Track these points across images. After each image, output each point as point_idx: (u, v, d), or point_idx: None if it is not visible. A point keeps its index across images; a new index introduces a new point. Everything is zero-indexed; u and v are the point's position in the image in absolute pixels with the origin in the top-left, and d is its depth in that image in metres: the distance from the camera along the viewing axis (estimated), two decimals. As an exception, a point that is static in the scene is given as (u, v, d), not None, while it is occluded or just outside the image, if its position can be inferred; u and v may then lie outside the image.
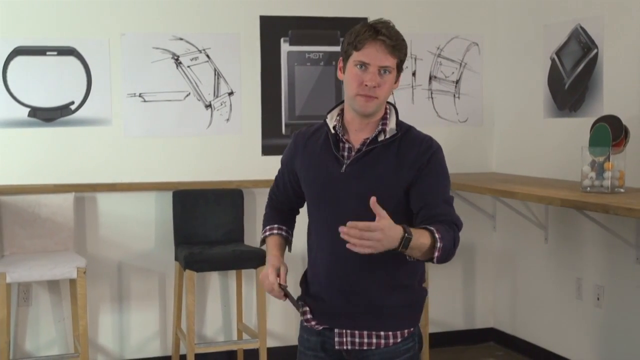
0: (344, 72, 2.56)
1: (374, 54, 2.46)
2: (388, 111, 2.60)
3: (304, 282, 2.72)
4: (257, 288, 4.83)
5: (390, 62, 2.48)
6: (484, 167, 5.87)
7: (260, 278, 2.66)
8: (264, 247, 2.85)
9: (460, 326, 5.88)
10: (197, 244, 5.03)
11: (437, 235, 2.37)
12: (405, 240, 2.29)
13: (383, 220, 2.27)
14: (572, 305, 5.07)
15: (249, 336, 5.09)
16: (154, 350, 5.29)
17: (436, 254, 2.37)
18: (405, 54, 2.54)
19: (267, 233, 2.79)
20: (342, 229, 2.24)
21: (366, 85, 2.47)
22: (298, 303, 2.65)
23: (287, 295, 2.59)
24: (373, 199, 2.28)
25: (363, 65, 2.48)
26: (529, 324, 5.52)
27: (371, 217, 2.34)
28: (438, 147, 2.58)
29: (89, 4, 5.07)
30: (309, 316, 2.64)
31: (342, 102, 2.65)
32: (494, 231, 5.83)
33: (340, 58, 2.58)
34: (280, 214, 2.83)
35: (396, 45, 2.48)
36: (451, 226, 2.46)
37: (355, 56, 2.49)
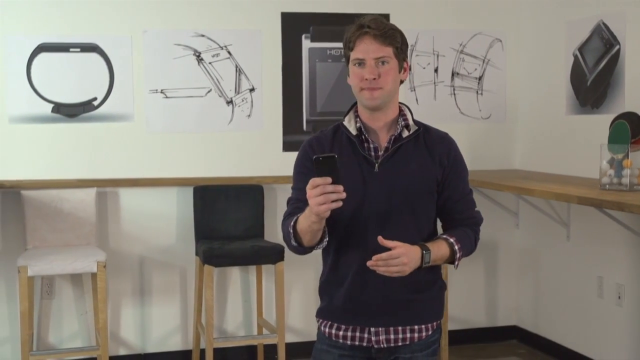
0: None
1: (365, 49, 2.51)
2: (403, 110, 2.64)
3: (326, 291, 2.64)
4: (277, 283, 4.85)
5: (385, 51, 2.52)
6: (507, 164, 5.83)
7: (311, 207, 2.32)
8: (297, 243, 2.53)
9: (482, 324, 5.86)
10: (218, 239, 5.06)
11: (456, 247, 2.55)
12: (426, 256, 2.47)
13: (400, 247, 2.42)
14: (593, 304, 5.02)
15: (269, 331, 5.11)
16: (175, 344, 5.34)
17: (456, 262, 2.58)
18: (400, 41, 2.56)
19: (295, 219, 2.49)
20: (369, 263, 2.41)
21: (366, 79, 2.51)
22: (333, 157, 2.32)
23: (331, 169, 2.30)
24: (379, 238, 2.41)
25: (360, 62, 2.53)
26: (552, 321, 5.48)
27: (408, 213, 2.52)
28: (455, 143, 2.69)
29: (112, 1, 5.12)
30: (334, 330, 2.62)
31: (355, 103, 2.67)
32: (517, 228, 5.80)
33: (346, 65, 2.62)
34: None
35: (384, 33, 2.51)
36: (474, 228, 2.65)
37: (352, 56, 2.55)
